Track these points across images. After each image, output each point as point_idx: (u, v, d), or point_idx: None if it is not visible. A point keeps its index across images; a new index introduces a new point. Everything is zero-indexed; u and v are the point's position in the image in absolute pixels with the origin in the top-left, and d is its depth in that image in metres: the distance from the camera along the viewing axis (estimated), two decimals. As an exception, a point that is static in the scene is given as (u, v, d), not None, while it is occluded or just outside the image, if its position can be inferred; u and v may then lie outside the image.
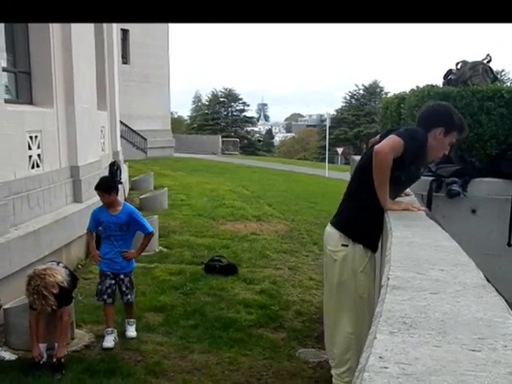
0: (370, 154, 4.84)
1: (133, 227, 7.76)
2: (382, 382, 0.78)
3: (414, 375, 0.80)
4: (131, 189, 19.60)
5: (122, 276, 7.69)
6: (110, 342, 7.40)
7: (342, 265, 5.10)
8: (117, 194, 7.81)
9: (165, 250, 12.24)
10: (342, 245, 5.06)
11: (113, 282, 7.60)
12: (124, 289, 7.71)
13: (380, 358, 0.86)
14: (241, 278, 10.36)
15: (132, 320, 7.77)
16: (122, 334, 7.60)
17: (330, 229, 5.32)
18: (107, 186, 7.66)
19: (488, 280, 2.38)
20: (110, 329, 7.52)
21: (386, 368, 0.82)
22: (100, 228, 7.74)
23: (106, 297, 7.55)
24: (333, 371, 5.67)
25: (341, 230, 5.13)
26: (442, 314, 1.08)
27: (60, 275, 6.48)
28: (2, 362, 6.62)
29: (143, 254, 11.55)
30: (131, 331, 7.67)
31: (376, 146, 4.65)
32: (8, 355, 6.75)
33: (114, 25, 18.75)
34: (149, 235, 7.97)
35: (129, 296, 7.75)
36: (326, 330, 5.91)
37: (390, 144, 4.64)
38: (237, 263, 11.03)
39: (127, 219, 7.65)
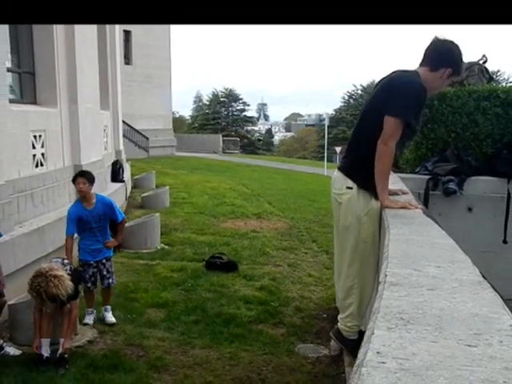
0: (379, 95, 4.88)
1: (109, 217, 7.88)
2: (380, 377, 0.78)
3: (411, 370, 0.80)
4: (133, 187, 19.61)
5: (104, 261, 7.87)
6: (90, 320, 7.78)
7: (346, 208, 5.07)
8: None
9: (166, 247, 12.25)
10: (347, 187, 5.03)
11: (95, 270, 7.81)
12: (105, 273, 7.87)
13: (378, 353, 0.86)
14: (241, 274, 10.36)
15: (109, 306, 7.92)
16: (124, 331, 7.62)
17: (336, 173, 5.29)
18: (93, 177, 7.74)
19: (484, 277, 2.38)
20: (90, 309, 7.88)
21: (383, 363, 0.82)
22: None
23: (90, 284, 7.79)
24: (339, 316, 5.73)
25: (346, 174, 5.10)
26: (439, 310, 1.08)
27: (64, 289, 6.36)
28: (6, 357, 6.63)
29: (145, 251, 11.63)
30: (110, 317, 7.81)
31: (379, 141, 4.63)
32: (12, 351, 6.75)
33: (117, 26, 18.75)
34: (122, 222, 8.13)
35: (110, 280, 7.93)
36: (335, 274, 5.96)
37: (391, 134, 4.62)
38: (237, 260, 11.04)
39: (104, 209, 7.76)
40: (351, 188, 5.04)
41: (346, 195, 5.08)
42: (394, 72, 5.06)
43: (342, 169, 5.26)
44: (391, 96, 4.71)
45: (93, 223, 7.65)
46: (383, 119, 4.67)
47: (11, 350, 6.75)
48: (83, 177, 7.61)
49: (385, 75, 5.13)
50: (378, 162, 4.69)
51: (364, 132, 5.08)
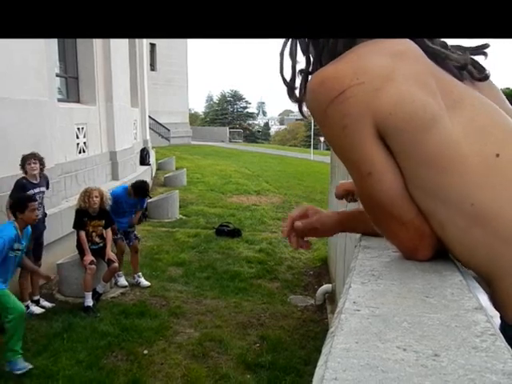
0: None
1: (140, 205, 8.19)
2: (356, 322, 0.78)
3: (380, 316, 0.80)
4: (157, 169, 19.59)
5: (129, 229, 7.87)
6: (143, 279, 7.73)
7: None
8: None
9: (184, 217, 12.26)
10: None
11: (123, 235, 7.81)
12: (132, 236, 7.88)
13: (354, 302, 0.86)
14: (244, 239, 10.38)
15: (140, 273, 7.81)
16: (150, 285, 7.64)
17: None
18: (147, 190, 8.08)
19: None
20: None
21: (358, 311, 0.82)
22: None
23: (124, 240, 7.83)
24: None
25: None
26: (403, 268, 1.08)
27: (106, 200, 7.04)
28: (55, 306, 6.67)
29: (167, 220, 11.64)
30: (145, 281, 7.70)
31: None
32: (48, 304, 6.74)
33: (144, 40, 18.64)
34: (141, 210, 8.64)
35: (136, 240, 7.94)
36: None
37: None
38: (241, 228, 11.06)
39: (137, 201, 7.93)
40: None
41: None
42: None
43: None
44: None
45: (126, 208, 7.73)
46: None
47: (46, 304, 6.74)
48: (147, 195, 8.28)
49: None
50: None
51: None
